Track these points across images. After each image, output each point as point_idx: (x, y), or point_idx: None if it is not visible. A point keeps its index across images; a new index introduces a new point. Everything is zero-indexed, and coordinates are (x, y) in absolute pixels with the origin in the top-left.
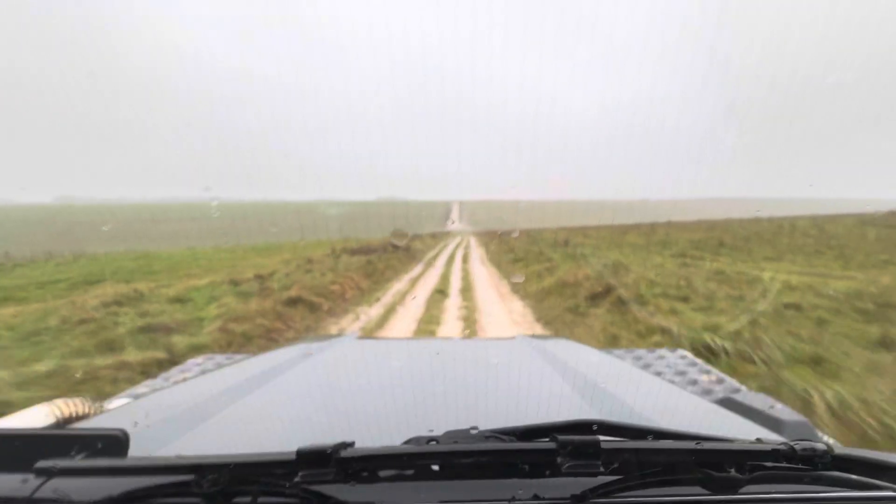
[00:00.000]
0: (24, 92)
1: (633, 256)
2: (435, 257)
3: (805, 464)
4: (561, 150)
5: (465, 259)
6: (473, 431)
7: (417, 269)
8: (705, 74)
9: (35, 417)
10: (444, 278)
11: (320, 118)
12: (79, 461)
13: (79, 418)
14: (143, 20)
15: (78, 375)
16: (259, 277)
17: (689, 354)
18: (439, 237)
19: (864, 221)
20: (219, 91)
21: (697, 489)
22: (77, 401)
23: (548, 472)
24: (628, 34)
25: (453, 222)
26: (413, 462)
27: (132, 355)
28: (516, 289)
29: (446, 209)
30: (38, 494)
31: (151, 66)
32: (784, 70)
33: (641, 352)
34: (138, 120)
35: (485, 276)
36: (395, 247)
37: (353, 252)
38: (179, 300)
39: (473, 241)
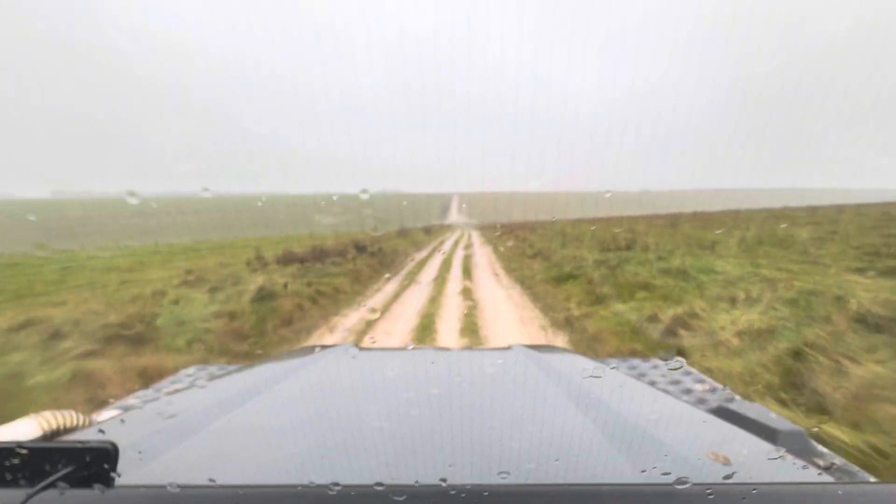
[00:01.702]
0: (21, 87)
1: (785, 268)
2: (420, 266)
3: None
4: (562, 140)
5: (468, 270)
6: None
7: (372, 303)
8: (712, 61)
9: (21, 430)
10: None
11: (316, 109)
12: (66, 475)
13: (67, 431)
14: (140, 14)
15: None
16: None
17: (685, 363)
18: (434, 232)
19: None
20: (214, 84)
21: None
22: (65, 413)
23: None
24: (630, 18)
25: (452, 215)
26: None
27: None
28: None
29: (445, 201)
30: None
31: (148, 59)
32: (795, 56)
33: (636, 361)
34: (133, 114)
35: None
36: (361, 249)
37: (289, 261)
38: None
39: (476, 239)
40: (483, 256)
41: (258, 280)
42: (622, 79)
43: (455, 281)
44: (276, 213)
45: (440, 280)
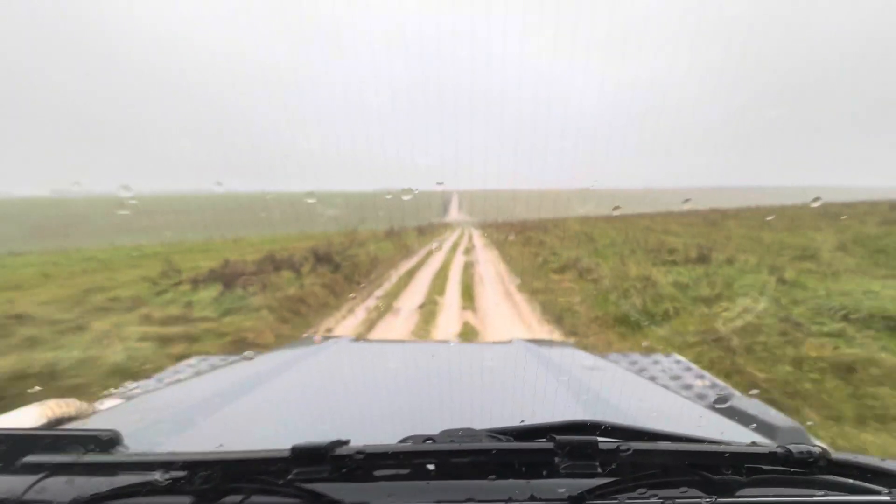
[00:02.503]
0: (21, 84)
1: None
2: (405, 282)
3: (801, 467)
4: (564, 136)
5: (469, 291)
6: (470, 431)
7: None
8: (716, 56)
9: (26, 417)
10: None
11: (316, 106)
12: (70, 460)
13: (70, 419)
14: (141, 11)
15: None
16: None
17: (684, 359)
18: (429, 232)
19: None
20: (214, 81)
21: (694, 491)
22: (68, 401)
23: (545, 473)
24: (634, 12)
25: (452, 213)
26: (409, 461)
27: None
28: None
29: (444, 199)
30: (29, 495)
31: (148, 56)
32: (801, 54)
33: (636, 356)
34: (132, 111)
35: None
36: (324, 259)
37: (214, 278)
38: None
39: (479, 240)
40: (489, 266)
41: (126, 320)
42: (624, 75)
43: (450, 311)
44: (265, 212)
45: (428, 310)
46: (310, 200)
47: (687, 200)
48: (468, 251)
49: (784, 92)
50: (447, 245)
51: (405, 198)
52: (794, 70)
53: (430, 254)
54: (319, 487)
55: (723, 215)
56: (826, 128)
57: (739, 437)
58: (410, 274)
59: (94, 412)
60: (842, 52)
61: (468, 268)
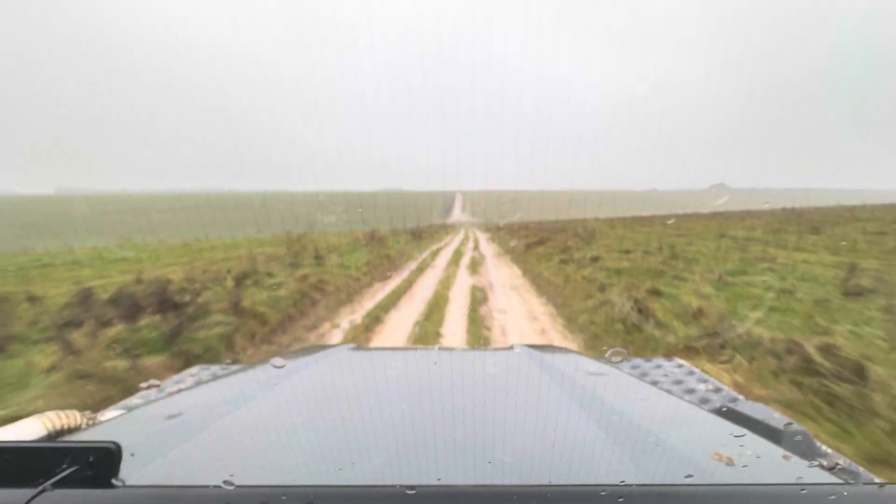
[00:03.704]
0: (25, 83)
1: None
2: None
3: None
4: (567, 138)
5: None
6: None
7: None
8: (720, 58)
9: (26, 430)
10: None
11: (323, 108)
12: (70, 475)
13: (70, 431)
14: (150, 10)
15: None
16: None
17: (686, 363)
18: (428, 237)
19: None
20: (221, 81)
21: None
22: (68, 413)
23: None
24: (636, 14)
25: (455, 213)
26: None
27: None
28: None
29: (447, 199)
30: None
31: (154, 56)
32: (804, 57)
33: (638, 361)
34: (139, 111)
35: None
36: (170, 306)
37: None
38: None
39: (488, 248)
40: (512, 301)
41: None
42: (628, 77)
43: None
44: (259, 212)
45: None
46: (320, 198)
47: (719, 200)
48: (475, 266)
49: (797, 93)
50: (446, 254)
51: (404, 198)
52: (808, 71)
53: (421, 269)
54: None
55: (799, 217)
56: (849, 127)
57: (743, 442)
58: (370, 329)
59: (94, 424)
60: (860, 51)
61: (477, 314)
